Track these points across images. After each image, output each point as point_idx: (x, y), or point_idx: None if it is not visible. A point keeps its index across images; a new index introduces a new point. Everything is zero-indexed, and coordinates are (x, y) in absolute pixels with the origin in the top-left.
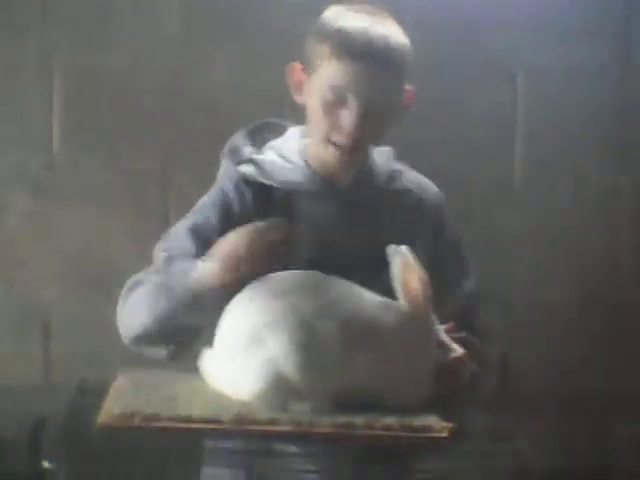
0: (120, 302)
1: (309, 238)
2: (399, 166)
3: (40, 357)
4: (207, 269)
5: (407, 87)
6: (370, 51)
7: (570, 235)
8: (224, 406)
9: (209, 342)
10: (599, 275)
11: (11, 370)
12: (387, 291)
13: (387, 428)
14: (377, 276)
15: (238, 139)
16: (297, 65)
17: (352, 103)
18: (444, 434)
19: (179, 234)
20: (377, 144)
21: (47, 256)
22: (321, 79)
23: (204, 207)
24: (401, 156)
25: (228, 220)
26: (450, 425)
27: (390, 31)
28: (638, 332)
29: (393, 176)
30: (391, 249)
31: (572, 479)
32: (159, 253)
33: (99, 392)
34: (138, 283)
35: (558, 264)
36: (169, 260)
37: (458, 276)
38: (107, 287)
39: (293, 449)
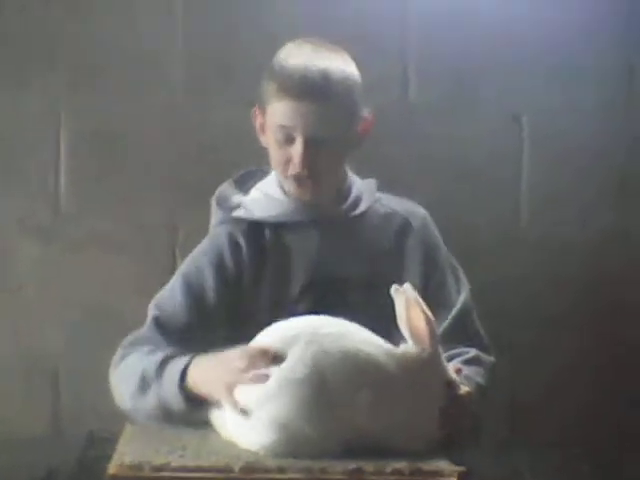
0: (112, 366)
1: (300, 267)
2: (380, 194)
3: (49, 408)
4: (195, 390)
5: (365, 114)
6: (307, 88)
7: (576, 275)
8: (234, 455)
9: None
10: (606, 316)
11: (20, 421)
12: (382, 315)
13: (397, 473)
14: (371, 299)
15: (225, 188)
16: (256, 108)
17: (298, 139)
18: (453, 478)
19: (174, 292)
20: (338, 170)
21: (54, 306)
22: (271, 119)
23: (199, 264)
24: (404, 196)
25: (222, 277)
26: (460, 469)
27: (331, 64)
28: None
29: (379, 202)
30: (394, 289)
31: None
32: (152, 311)
33: (109, 442)
34: (127, 354)
35: (563, 305)
36: (159, 327)
37: (456, 292)
38: (115, 336)
39: None
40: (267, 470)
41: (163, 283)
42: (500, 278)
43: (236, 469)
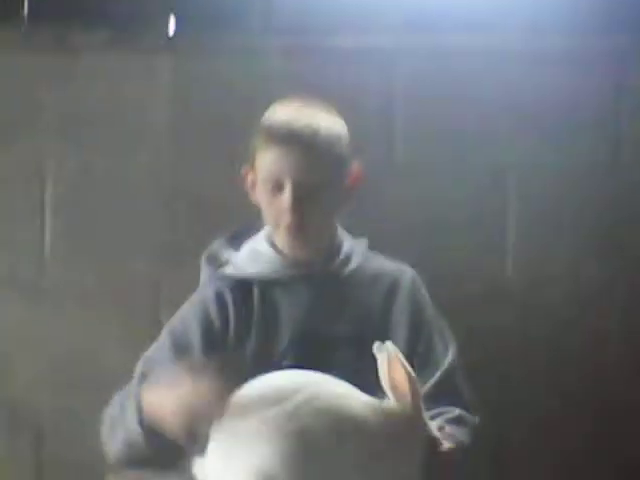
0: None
1: (288, 324)
2: (373, 254)
3: (32, 462)
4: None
5: (353, 168)
6: (293, 135)
7: (562, 331)
8: None
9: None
10: (591, 374)
11: (3, 476)
12: (367, 374)
13: None
14: (357, 358)
15: (217, 245)
16: (246, 167)
17: (287, 185)
18: None
19: (161, 348)
20: (328, 223)
21: (38, 360)
22: (260, 170)
23: (186, 320)
24: (389, 255)
25: (208, 333)
26: None
27: (317, 120)
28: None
29: (368, 261)
30: (376, 346)
31: None
32: (140, 368)
33: None
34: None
35: (550, 359)
36: (140, 379)
37: (443, 352)
38: (99, 391)
39: None
40: None
41: (148, 338)
42: (486, 333)
43: None
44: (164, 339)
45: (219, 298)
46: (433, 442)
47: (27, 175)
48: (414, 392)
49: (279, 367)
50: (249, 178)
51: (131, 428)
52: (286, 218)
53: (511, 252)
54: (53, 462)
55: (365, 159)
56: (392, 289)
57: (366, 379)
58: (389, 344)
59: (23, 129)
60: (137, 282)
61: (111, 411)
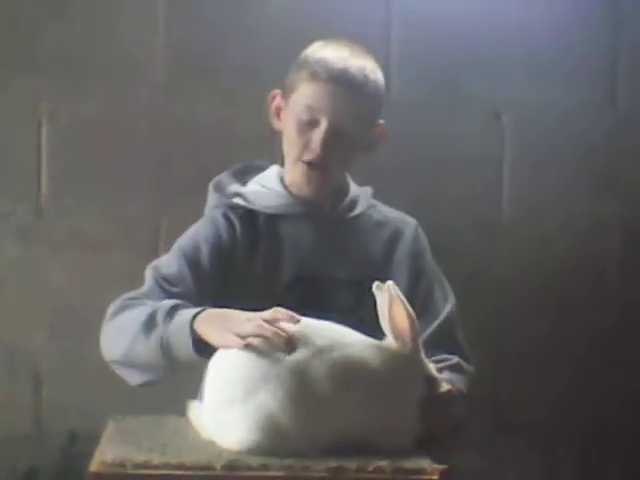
0: (108, 317)
1: (291, 259)
2: (375, 202)
3: (30, 405)
4: (202, 334)
5: (380, 122)
6: (347, 76)
7: (557, 270)
8: (216, 453)
9: (197, 395)
10: (585, 310)
11: (1, 419)
12: (365, 316)
13: (379, 471)
14: (356, 301)
15: (223, 178)
16: (277, 92)
17: (323, 123)
18: (435, 476)
19: (171, 262)
20: (345, 170)
21: (36, 303)
22: (298, 100)
23: (195, 238)
24: (383, 196)
25: (219, 250)
26: (442, 467)
27: (367, 64)
28: (624, 361)
29: (373, 209)
30: (376, 285)
31: None
32: (151, 273)
33: (91, 440)
34: (131, 305)
35: (544, 300)
36: (160, 287)
37: (442, 301)
38: (96, 333)
39: None
40: (249, 468)
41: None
42: (482, 275)
43: (218, 467)
44: (174, 251)
45: (227, 218)
46: (432, 382)
47: (23, 116)
48: (413, 332)
49: (281, 301)
50: (275, 104)
51: (174, 336)
52: (313, 153)
53: (507, 190)
54: (52, 405)
55: None
56: (395, 237)
57: (364, 322)
58: (390, 284)
59: (18, 69)
60: (135, 224)
61: (136, 315)
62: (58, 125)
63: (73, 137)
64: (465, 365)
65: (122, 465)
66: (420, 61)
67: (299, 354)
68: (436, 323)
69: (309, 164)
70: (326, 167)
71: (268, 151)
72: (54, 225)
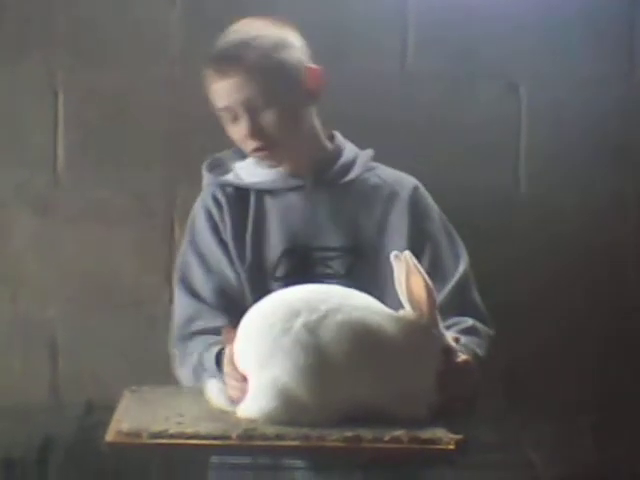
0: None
1: (282, 232)
2: (375, 164)
3: (47, 376)
4: None
5: (309, 67)
6: (223, 60)
7: (574, 240)
8: (231, 422)
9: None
10: (603, 286)
11: (17, 389)
12: (362, 285)
13: (395, 441)
14: (351, 269)
15: (222, 154)
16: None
17: (241, 116)
18: (452, 446)
19: (185, 255)
20: (298, 130)
21: (52, 274)
22: (214, 105)
23: (198, 227)
24: (398, 165)
25: (218, 234)
26: (458, 437)
27: (247, 35)
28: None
29: (368, 172)
30: (393, 255)
31: None
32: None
33: (107, 410)
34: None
35: (561, 274)
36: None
37: (453, 263)
38: (113, 304)
39: (301, 464)
40: (265, 437)
41: (161, 251)
42: (498, 243)
43: (234, 436)
44: (185, 246)
45: (215, 200)
46: (449, 352)
47: (40, 87)
48: (431, 302)
49: (272, 277)
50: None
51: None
52: (251, 145)
53: (523, 164)
54: (68, 376)
55: (377, 67)
56: (390, 200)
57: (359, 289)
58: (407, 253)
59: (35, 41)
60: (151, 196)
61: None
62: (75, 96)
63: (89, 108)
64: (481, 327)
65: (138, 435)
66: (436, 31)
67: (304, 321)
68: (448, 287)
69: (257, 152)
70: (271, 149)
71: None
72: (70, 196)
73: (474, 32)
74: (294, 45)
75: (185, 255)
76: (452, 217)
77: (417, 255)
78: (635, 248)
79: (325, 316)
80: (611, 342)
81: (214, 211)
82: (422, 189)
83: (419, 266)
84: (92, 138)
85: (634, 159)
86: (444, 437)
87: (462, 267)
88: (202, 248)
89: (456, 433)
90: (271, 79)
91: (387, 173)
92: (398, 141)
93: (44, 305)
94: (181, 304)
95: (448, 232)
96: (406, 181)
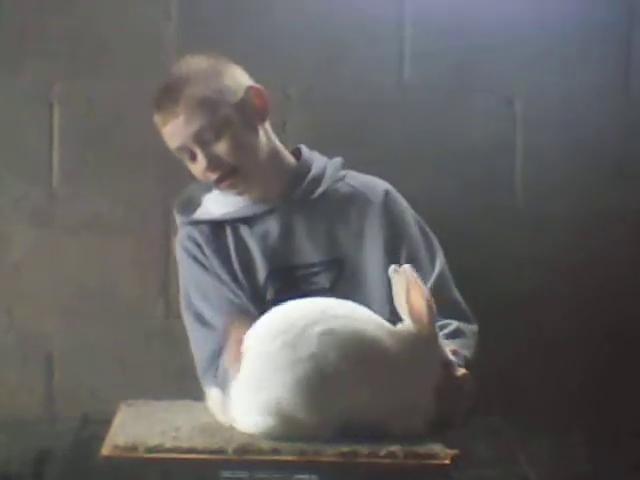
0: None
1: (263, 257)
2: (345, 172)
3: (43, 389)
4: None
5: (251, 86)
6: (169, 107)
7: (571, 255)
8: (227, 437)
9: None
10: (599, 296)
11: (14, 402)
12: (351, 294)
13: (391, 456)
14: (335, 283)
15: (187, 191)
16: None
17: (195, 150)
18: (447, 461)
19: (202, 303)
20: (254, 153)
21: (49, 287)
22: (170, 147)
23: (192, 274)
24: (394, 180)
25: (204, 267)
26: (454, 452)
27: (184, 70)
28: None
29: (337, 182)
30: (392, 269)
31: None
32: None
33: (103, 424)
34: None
35: (557, 286)
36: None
37: (429, 263)
38: (110, 317)
39: (297, 479)
40: (261, 452)
41: (158, 264)
42: (496, 261)
43: (230, 450)
44: (182, 282)
45: (193, 240)
46: (448, 367)
47: (36, 98)
48: (430, 315)
49: (262, 297)
50: None
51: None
52: (211, 177)
53: (519, 176)
54: (64, 389)
55: (374, 80)
56: (363, 208)
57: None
58: (407, 267)
59: (31, 52)
60: (148, 208)
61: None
62: (71, 108)
63: (85, 120)
64: (465, 326)
65: (134, 449)
66: (433, 44)
67: (300, 337)
68: (427, 287)
69: (219, 183)
70: (233, 173)
71: (279, 135)
72: (67, 208)
73: (471, 45)
74: (230, 69)
75: (186, 289)
76: (447, 228)
77: (394, 259)
78: (631, 259)
79: (322, 332)
80: (609, 353)
81: (195, 251)
82: (393, 193)
83: (419, 279)
84: (88, 150)
85: (630, 172)
86: (440, 452)
87: (439, 267)
88: (200, 284)
89: (452, 448)
90: (214, 107)
91: (358, 180)
92: (394, 152)
93: (40, 318)
94: (200, 338)
95: (423, 233)
96: (377, 186)
